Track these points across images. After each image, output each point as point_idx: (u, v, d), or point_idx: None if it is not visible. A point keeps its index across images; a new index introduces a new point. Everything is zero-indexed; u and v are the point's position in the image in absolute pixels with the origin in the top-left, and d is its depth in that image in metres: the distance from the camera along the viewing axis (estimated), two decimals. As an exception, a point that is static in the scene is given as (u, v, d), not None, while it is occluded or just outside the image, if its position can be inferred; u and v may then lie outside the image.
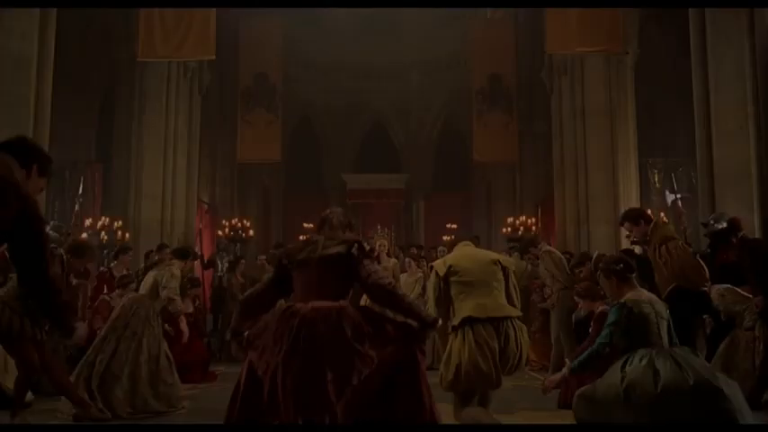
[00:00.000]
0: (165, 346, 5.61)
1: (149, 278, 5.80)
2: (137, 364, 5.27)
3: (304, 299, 2.98)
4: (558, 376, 4.31)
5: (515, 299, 4.16)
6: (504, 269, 4.15)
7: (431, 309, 4.04)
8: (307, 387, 2.76)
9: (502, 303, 4.02)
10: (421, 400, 2.85)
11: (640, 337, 4.12)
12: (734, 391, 3.64)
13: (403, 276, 8.52)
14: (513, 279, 4.18)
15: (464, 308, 3.94)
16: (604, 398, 3.79)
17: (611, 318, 4.14)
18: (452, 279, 4.04)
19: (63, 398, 5.05)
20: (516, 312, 4.08)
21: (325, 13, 20.21)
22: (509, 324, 3.96)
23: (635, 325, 4.09)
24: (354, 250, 3.02)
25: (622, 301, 4.15)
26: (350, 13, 20.03)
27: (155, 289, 5.64)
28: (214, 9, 9.84)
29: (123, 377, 5.19)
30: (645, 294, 4.27)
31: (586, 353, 4.19)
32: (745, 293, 5.32)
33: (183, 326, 6.02)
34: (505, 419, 4.71)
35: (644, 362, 3.96)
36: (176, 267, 5.91)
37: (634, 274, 4.32)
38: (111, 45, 11.91)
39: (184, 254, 6.32)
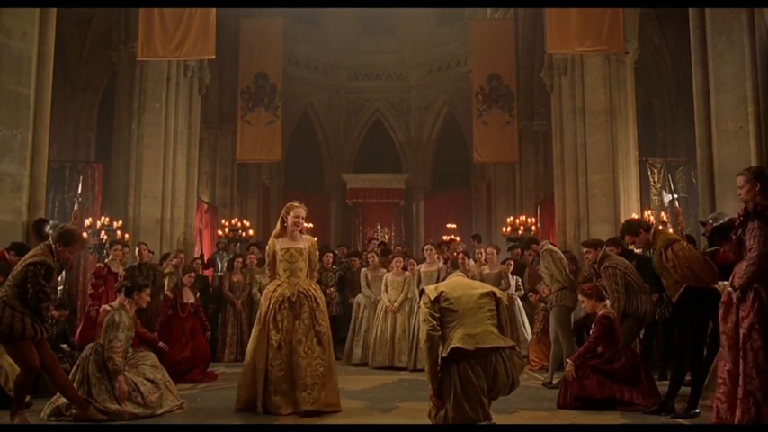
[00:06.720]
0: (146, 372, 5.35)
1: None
2: None
3: None
4: None
5: (507, 331, 4.13)
6: (497, 300, 4.14)
7: (422, 332, 4.03)
8: None
9: (492, 333, 3.95)
10: None
11: None
12: None
13: (389, 276, 8.47)
14: (505, 312, 4.15)
15: (453, 337, 3.92)
16: None
17: None
18: (443, 305, 4.03)
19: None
20: (508, 342, 4.02)
21: (326, 13, 20.23)
22: (498, 357, 3.90)
23: None
24: None
25: None
26: (350, 12, 20.04)
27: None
28: (214, 9, 9.84)
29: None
30: None
31: None
32: None
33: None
34: (505, 419, 4.71)
35: None
36: (125, 311, 5.37)
37: None
38: (110, 45, 11.90)
39: (128, 289, 5.52)
